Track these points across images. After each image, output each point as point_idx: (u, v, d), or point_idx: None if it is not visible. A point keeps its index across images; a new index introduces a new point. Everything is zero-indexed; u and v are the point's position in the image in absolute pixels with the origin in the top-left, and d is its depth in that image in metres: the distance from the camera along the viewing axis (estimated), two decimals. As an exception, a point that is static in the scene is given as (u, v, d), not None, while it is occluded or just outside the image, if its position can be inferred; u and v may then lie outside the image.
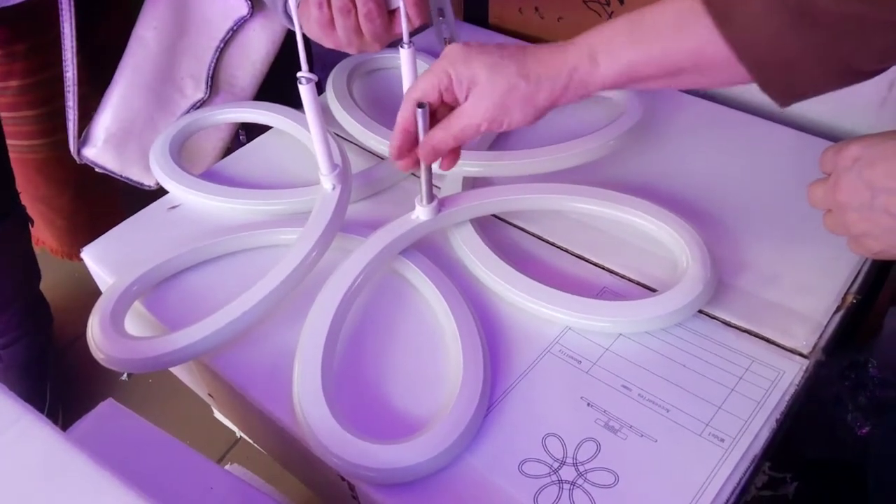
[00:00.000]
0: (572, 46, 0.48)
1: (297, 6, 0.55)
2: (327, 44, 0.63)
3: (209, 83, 0.81)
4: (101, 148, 0.83)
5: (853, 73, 0.42)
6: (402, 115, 0.53)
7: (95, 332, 0.55)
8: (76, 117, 0.80)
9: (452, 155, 0.55)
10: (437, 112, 0.53)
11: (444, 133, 0.52)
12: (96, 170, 0.86)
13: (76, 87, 0.77)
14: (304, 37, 0.53)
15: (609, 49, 0.47)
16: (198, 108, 0.82)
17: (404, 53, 0.58)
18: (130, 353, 0.54)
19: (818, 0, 0.39)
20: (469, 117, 0.51)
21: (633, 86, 0.49)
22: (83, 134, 0.83)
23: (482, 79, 0.49)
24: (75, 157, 0.84)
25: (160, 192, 0.72)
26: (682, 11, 0.44)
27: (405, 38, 0.58)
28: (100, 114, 0.82)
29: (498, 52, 0.50)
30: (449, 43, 0.81)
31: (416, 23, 0.61)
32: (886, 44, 0.39)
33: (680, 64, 0.45)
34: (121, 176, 0.86)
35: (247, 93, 0.85)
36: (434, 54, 0.84)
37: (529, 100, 0.49)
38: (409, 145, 0.54)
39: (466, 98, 0.51)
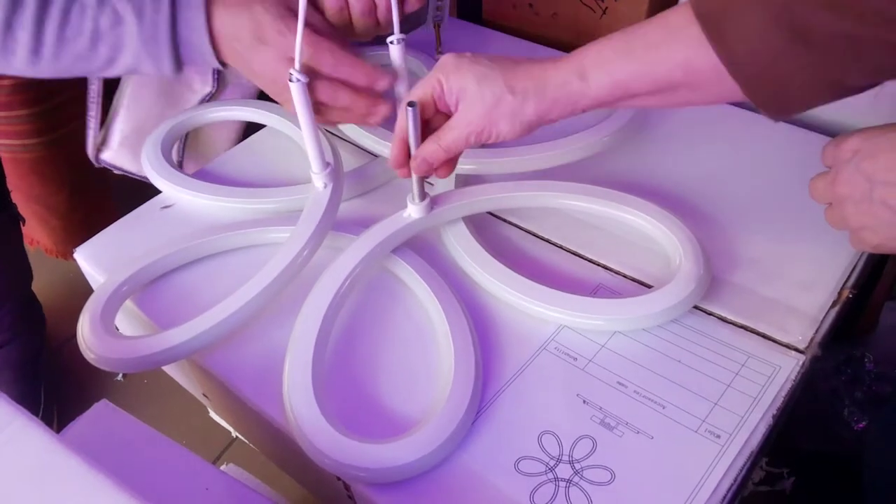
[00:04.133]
0: (564, 62, 0.48)
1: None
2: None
3: (216, 77, 0.81)
4: (117, 150, 0.84)
5: (844, 89, 0.42)
6: (400, 125, 0.53)
7: (85, 332, 0.55)
8: (97, 126, 0.81)
9: (447, 165, 0.55)
10: (431, 121, 0.53)
11: (435, 146, 0.52)
12: (114, 172, 0.86)
13: (101, 98, 0.78)
14: (303, 36, 0.53)
15: (599, 64, 0.47)
16: (208, 101, 0.82)
17: (394, 49, 0.58)
18: (121, 353, 0.53)
19: (813, 20, 0.39)
20: (457, 129, 0.51)
21: (626, 103, 0.48)
22: (99, 137, 0.84)
23: (470, 90, 0.49)
24: (93, 161, 0.85)
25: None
26: (674, 26, 0.44)
27: (396, 33, 0.58)
28: (114, 117, 0.83)
29: (488, 64, 0.50)
30: (437, 23, 0.80)
31: (417, 5, 0.60)
32: (879, 61, 0.39)
33: (671, 79, 0.45)
34: (138, 176, 0.86)
35: (254, 85, 0.85)
36: (427, 52, 0.83)
37: (516, 113, 0.49)
38: (408, 153, 0.54)
39: (456, 108, 0.51)
